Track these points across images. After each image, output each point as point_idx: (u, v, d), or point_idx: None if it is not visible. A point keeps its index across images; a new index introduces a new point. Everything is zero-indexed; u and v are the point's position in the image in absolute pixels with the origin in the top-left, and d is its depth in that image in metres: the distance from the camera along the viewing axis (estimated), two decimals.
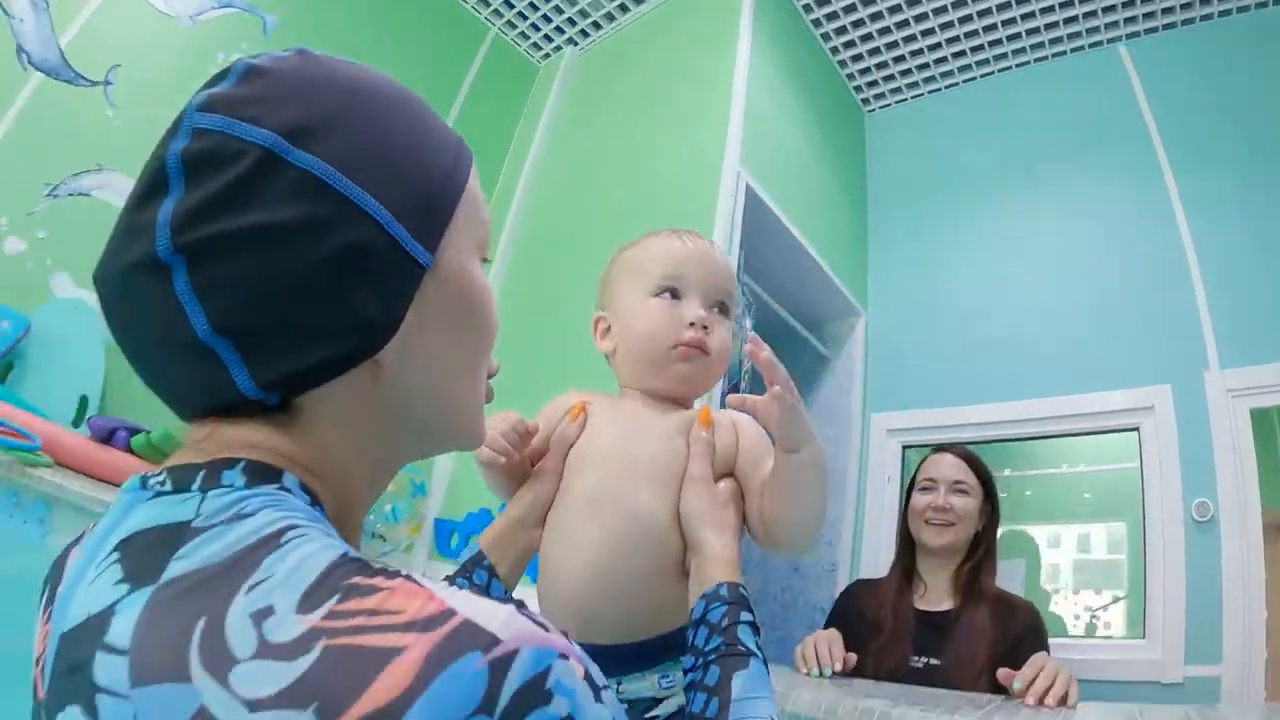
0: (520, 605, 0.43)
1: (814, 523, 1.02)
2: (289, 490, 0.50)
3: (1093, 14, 3.30)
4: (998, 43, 3.55)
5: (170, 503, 0.48)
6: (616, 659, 0.95)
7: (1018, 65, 3.64)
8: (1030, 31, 3.46)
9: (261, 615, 0.40)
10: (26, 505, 2.16)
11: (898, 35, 3.59)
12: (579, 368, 2.86)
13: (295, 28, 3.68)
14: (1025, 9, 3.36)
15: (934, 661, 1.97)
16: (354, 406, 0.55)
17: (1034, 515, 3.71)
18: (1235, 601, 2.39)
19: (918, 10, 3.43)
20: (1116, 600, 3.30)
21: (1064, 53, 3.52)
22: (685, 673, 0.84)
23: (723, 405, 1.04)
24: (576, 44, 4.08)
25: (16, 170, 2.99)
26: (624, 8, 3.77)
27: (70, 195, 3.08)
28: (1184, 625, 2.46)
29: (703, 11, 3.34)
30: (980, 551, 2.12)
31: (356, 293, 0.51)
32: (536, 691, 0.39)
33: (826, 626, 2.15)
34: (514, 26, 4.14)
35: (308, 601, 0.40)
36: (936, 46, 3.63)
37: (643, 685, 0.96)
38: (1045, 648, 1.92)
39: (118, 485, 2.30)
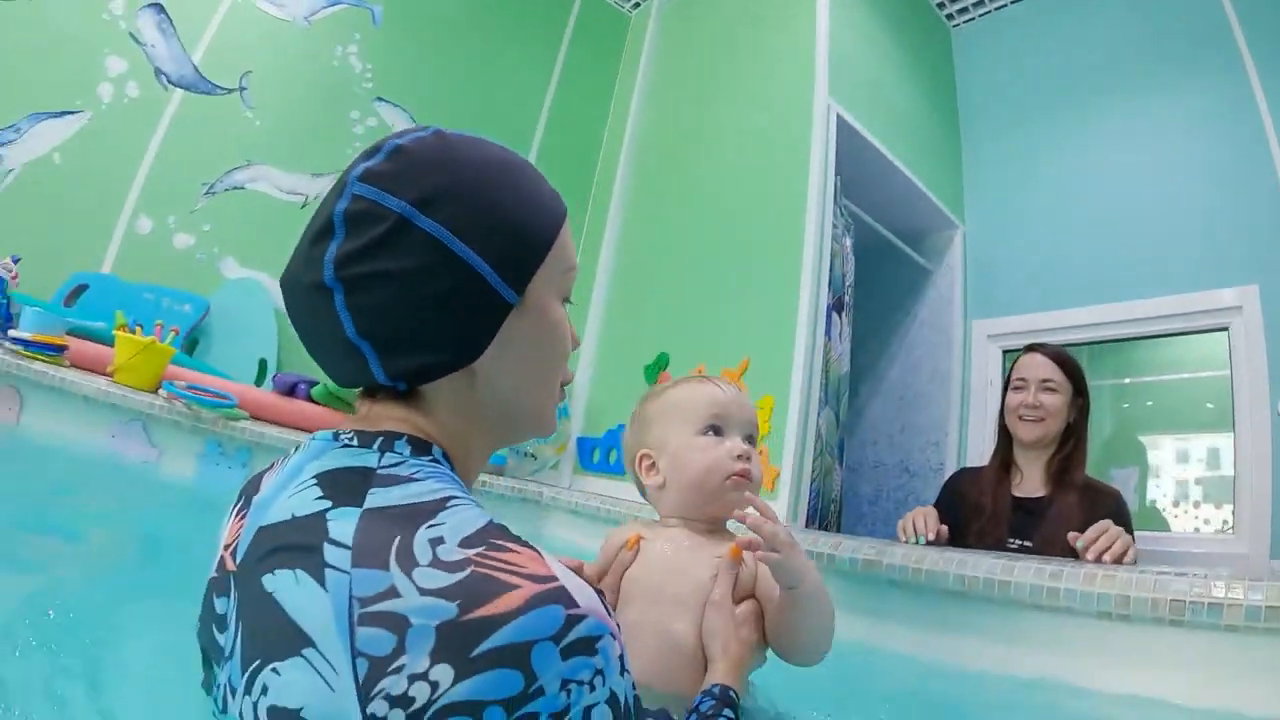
0: (602, 595, 0.61)
1: (822, 641, 1.14)
2: (438, 461, 0.71)
3: None
4: None
5: (356, 453, 0.68)
6: None
7: None
8: None
9: (436, 542, 0.59)
10: (230, 452, 2.58)
11: None
12: (689, 290, 3.20)
13: (401, 12, 3.94)
14: None
15: (1027, 543, 2.11)
16: (458, 399, 0.74)
17: (1149, 425, 3.72)
18: None
19: None
20: (1214, 502, 3.32)
21: None
22: None
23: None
24: None
25: (175, 176, 3.41)
26: None
27: (226, 190, 3.49)
28: (1270, 522, 2.54)
29: None
30: (1070, 443, 2.21)
31: (455, 319, 0.69)
32: (588, 645, 0.56)
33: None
34: None
35: (466, 543, 0.59)
36: None
37: None
38: (1129, 530, 2.00)
39: (303, 429, 2.74)
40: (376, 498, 0.62)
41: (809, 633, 1.13)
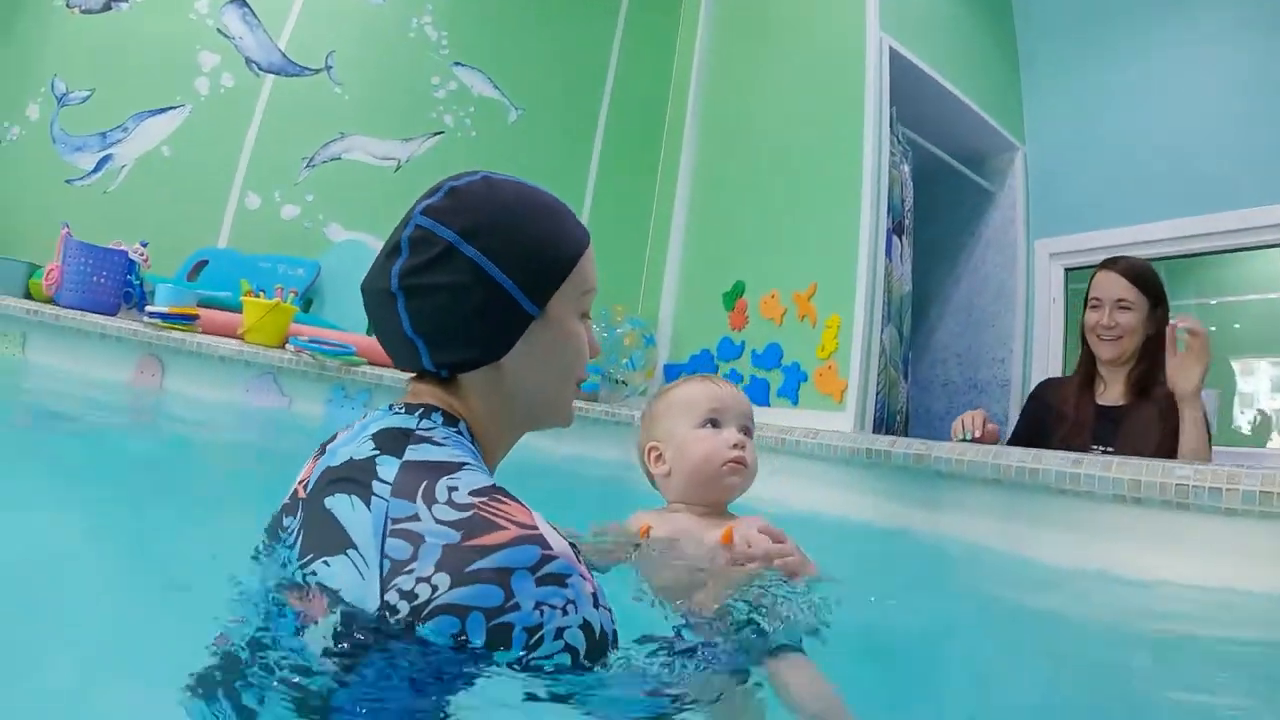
0: (576, 549, 0.77)
1: None
2: (462, 434, 0.89)
3: None
4: None
5: (402, 418, 0.88)
6: None
7: None
8: None
9: (452, 489, 0.77)
10: (353, 394, 2.91)
11: None
12: (759, 221, 3.45)
13: None
14: None
15: (1109, 450, 2.17)
16: (487, 388, 0.92)
17: (1239, 347, 3.64)
18: None
19: None
20: None
21: None
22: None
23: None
24: None
25: (276, 154, 3.72)
26: None
27: (324, 162, 3.79)
28: None
29: None
30: (1150, 356, 2.24)
31: (487, 325, 0.88)
32: (559, 579, 0.73)
33: (1020, 419, 2.48)
34: None
35: (474, 494, 0.76)
36: None
37: None
38: (1208, 435, 2.08)
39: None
40: (413, 453, 0.82)
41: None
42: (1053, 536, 1.72)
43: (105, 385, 2.83)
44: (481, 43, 4.13)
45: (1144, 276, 2.28)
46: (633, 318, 3.82)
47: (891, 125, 2.99)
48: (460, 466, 0.81)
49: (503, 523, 0.74)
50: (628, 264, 4.25)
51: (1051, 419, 2.33)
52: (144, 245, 3.39)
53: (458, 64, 4.05)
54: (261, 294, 3.02)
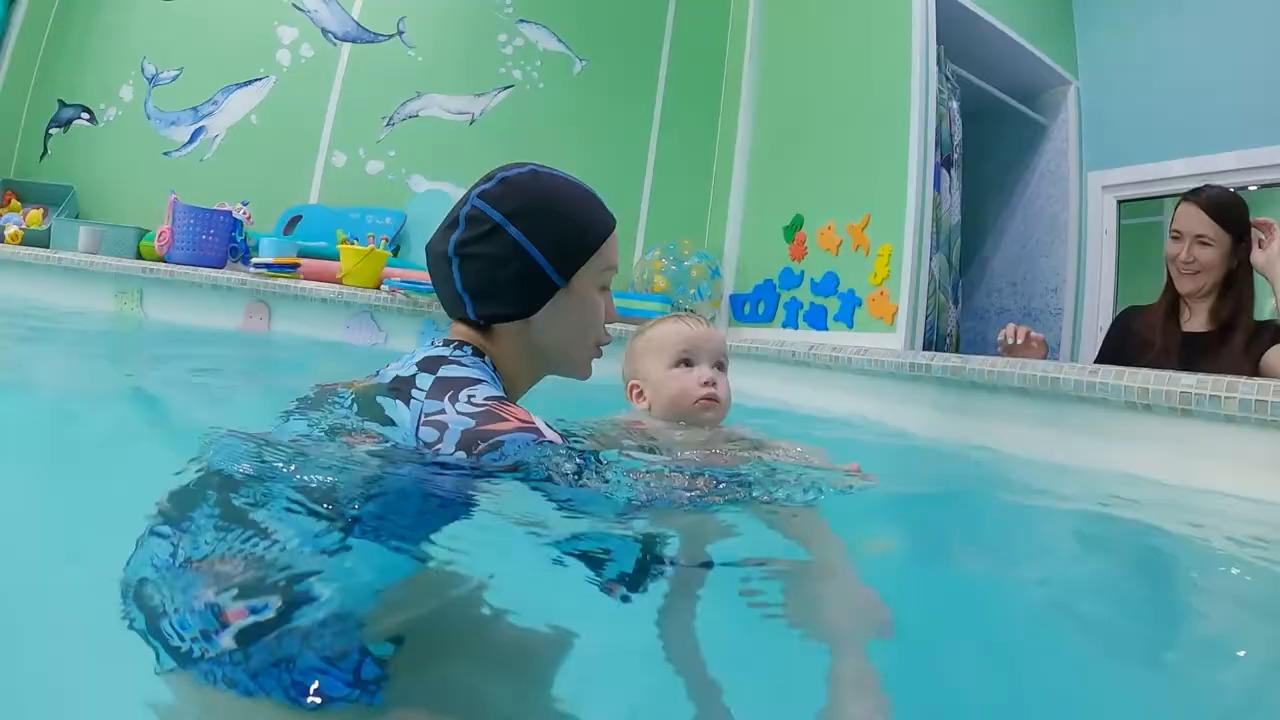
0: (565, 437, 0.98)
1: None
2: (487, 364, 1.09)
3: None
4: None
5: (439, 349, 1.07)
6: None
7: None
8: None
9: (471, 395, 0.96)
10: (442, 327, 3.21)
11: None
12: (816, 157, 3.67)
13: None
14: None
15: None
16: (517, 339, 1.12)
17: None
18: None
19: None
20: None
21: None
22: None
23: None
24: None
25: (358, 115, 3.99)
26: None
27: (403, 120, 4.05)
28: None
29: None
30: (1235, 287, 2.20)
31: (521, 290, 1.09)
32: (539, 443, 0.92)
33: (1104, 345, 2.51)
34: None
35: (487, 400, 0.96)
36: None
37: None
38: None
39: None
40: (445, 371, 1.02)
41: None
42: (1073, 440, 1.86)
43: (215, 332, 3.16)
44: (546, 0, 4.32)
45: (1226, 210, 2.19)
46: (699, 251, 4.02)
47: (939, 63, 3.11)
48: (479, 382, 1.01)
49: (508, 417, 0.94)
50: (694, 200, 4.43)
51: (1136, 346, 2.31)
52: (245, 204, 3.72)
53: (522, 20, 4.25)
54: (355, 241, 3.31)
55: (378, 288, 3.24)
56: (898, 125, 3.00)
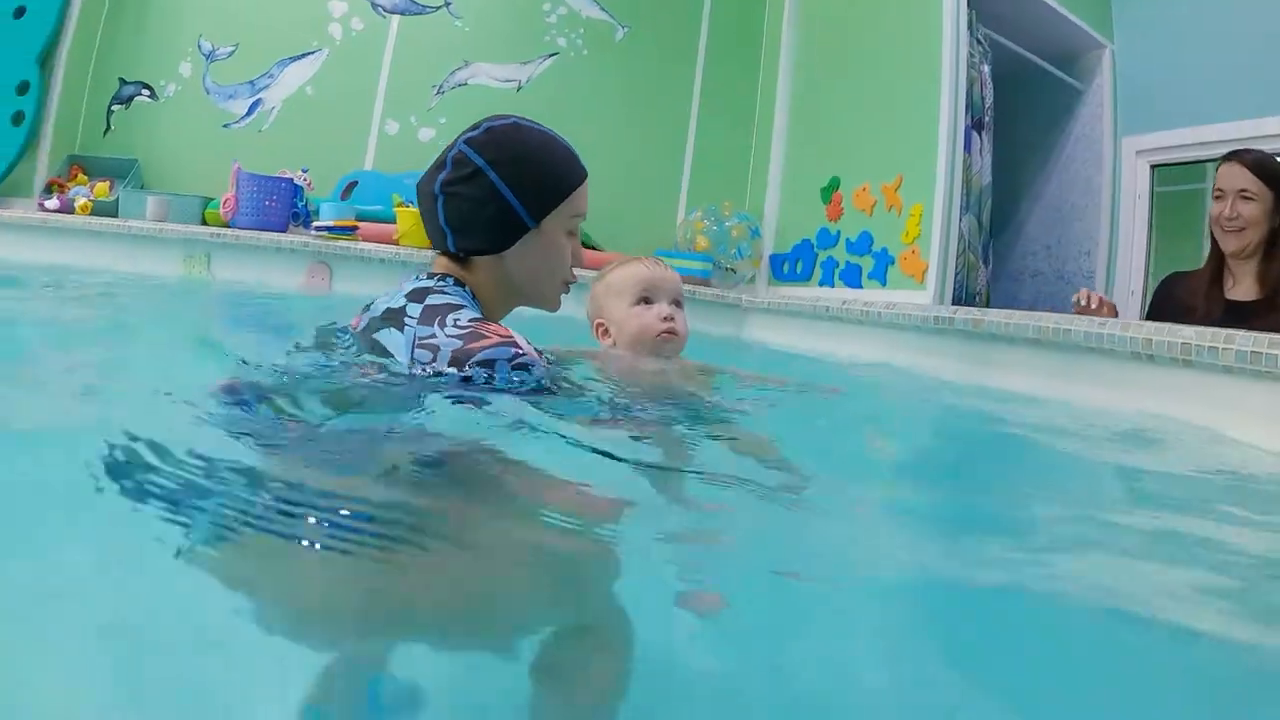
0: (541, 354, 1.12)
1: None
2: (466, 292, 1.20)
3: None
4: None
5: (424, 282, 1.19)
6: None
7: None
8: None
9: (456, 319, 1.10)
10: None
11: None
12: (851, 121, 3.80)
13: None
14: None
15: None
16: (491, 271, 1.23)
17: None
18: None
19: None
20: None
21: None
22: None
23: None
24: None
25: (410, 84, 4.17)
26: None
27: (452, 88, 4.22)
28: None
29: None
30: (1279, 247, 2.22)
31: (495, 228, 1.20)
32: (525, 367, 1.07)
33: (1149, 313, 2.50)
34: None
35: (471, 321, 1.09)
36: None
37: None
38: None
39: None
40: (431, 299, 1.15)
41: None
42: (1083, 389, 1.97)
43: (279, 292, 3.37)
44: None
45: (1269, 168, 2.22)
46: (740, 212, 4.15)
47: (970, 27, 3.19)
48: (462, 307, 1.15)
49: (490, 334, 1.08)
50: (734, 163, 4.54)
51: (1180, 312, 2.28)
52: (305, 171, 3.92)
53: None
54: (411, 204, 3.49)
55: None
56: (929, 88, 3.10)
